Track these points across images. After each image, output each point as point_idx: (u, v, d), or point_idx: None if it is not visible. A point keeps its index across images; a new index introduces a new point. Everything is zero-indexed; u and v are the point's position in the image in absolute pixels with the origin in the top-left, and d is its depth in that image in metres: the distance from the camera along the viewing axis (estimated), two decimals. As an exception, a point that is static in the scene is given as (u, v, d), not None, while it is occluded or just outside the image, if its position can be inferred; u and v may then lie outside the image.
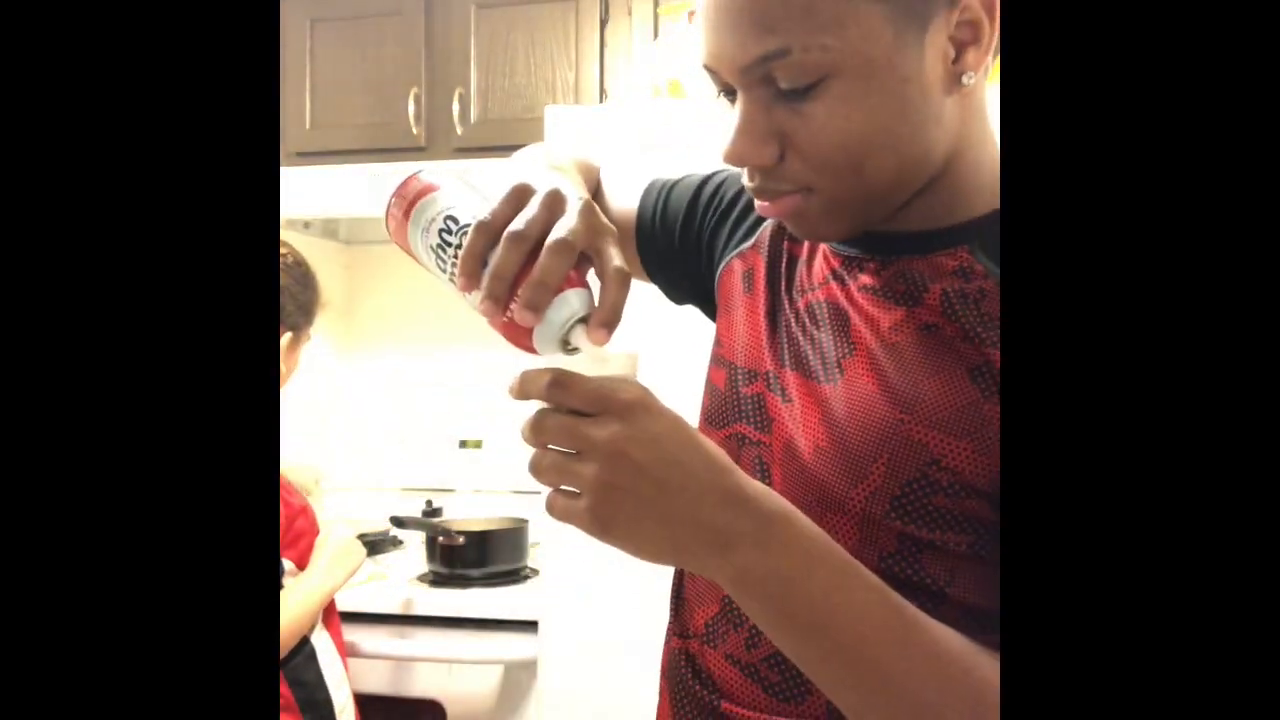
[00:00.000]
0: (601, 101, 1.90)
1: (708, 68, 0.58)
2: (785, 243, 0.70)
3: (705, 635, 0.65)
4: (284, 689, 1.28)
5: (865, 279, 0.64)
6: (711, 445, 0.51)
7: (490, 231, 0.53)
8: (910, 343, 0.60)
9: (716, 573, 0.50)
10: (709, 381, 0.72)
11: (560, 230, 0.52)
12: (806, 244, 0.69)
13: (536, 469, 0.50)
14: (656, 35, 1.87)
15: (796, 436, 0.62)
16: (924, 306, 0.60)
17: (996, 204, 0.61)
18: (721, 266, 0.75)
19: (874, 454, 0.58)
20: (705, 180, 0.79)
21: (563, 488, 0.50)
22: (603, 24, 1.93)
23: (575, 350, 0.53)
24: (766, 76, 0.55)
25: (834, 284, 0.65)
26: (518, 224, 0.52)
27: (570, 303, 0.52)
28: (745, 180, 0.61)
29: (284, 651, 1.29)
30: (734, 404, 0.68)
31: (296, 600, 1.30)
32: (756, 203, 0.61)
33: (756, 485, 0.51)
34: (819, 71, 0.54)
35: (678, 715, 0.66)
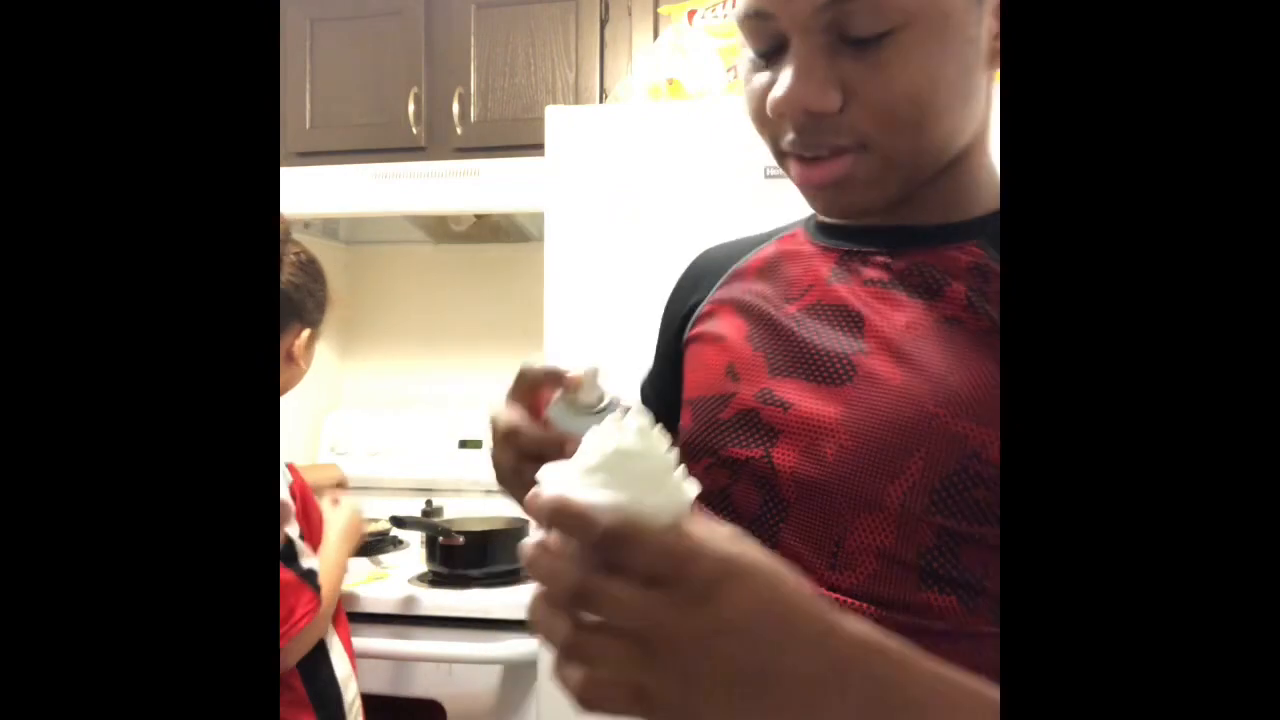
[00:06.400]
0: (601, 101, 1.90)
1: (760, 14, 0.56)
2: (745, 284, 0.69)
3: None
4: (299, 685, 1.30)
5: (872, 273, 0.62)
6: (810, 594, 0.42)
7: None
8: (933, 336, 0.57)
9: None
10: (680, 431, 0.68)
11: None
12: (780, 262, 0.68)
13: (581, 651, 0.38)
14: (656, 35, 1.87)
15: (810, 442, 0.59)
16: (945, 300, 0.58)
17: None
18: (686, 343, 0.72)
19: (910, 449, 0.55)
20: (660, 331, 0.78)
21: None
22: (603, 24, 1.93)
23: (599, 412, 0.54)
24: (834, 22, 0.53)
25: (836, 284, 0.63)
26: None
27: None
28: (786, 143, 0.58)
29: (329, 624, 1.35)
30: (709, 434, 0.64)
31: (330, 573, 1.35)
32: (798, 170, 0.59)
33: (851, 629, 0.42)
34: (895, 18, 0.52)
35: None
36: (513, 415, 0.60)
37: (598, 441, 0.41)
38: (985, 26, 0.55)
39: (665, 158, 1.45)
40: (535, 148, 1.65)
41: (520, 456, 0.60)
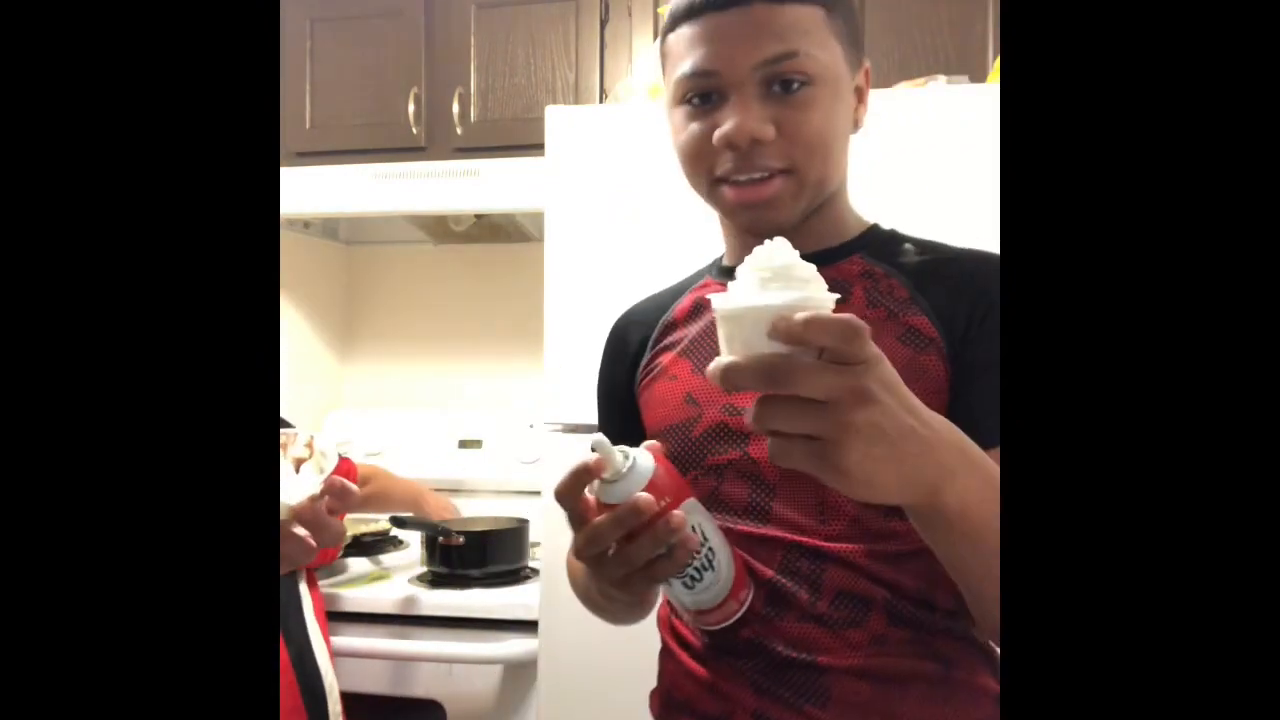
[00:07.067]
0: (601, 101, 1.91)
1: (706, 73, 0.74)
2: (677, 332, 0.85)
3: (763, 614, 0.72)
4: (290, 673, 1.30)
5: None
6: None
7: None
8: None
9: (937, 501, 0.54)
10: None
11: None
12: (702, 306, 0.83)
13: (776, 415, 0.50)
14: (656, 35, 1.87)
15: None
16: (849, 304, 0.75)
17: (864, 227, 0.82)
18: (640, 390, 0.86)
19: None
20: (603, 395, 0.92)
21: (787, 431, 0.50)
22: (603, 24, 1.93)
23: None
24: (769, 76, 0.73)
25: None
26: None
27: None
28: (723, 171, 0.75)
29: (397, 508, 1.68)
30: (687, 453, 0.78)
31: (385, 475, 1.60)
32: (736, 193, 0.75)
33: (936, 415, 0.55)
34: (811, 74, 0.73)
35: (766, 697, 0.71)
36: (592, 535, 0.64)
37: (761, 260, 0.51)
38: (851, 100, 0.78)
39: (665, 158, 1.45)
40: (535, 148, 1.65)
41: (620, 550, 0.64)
